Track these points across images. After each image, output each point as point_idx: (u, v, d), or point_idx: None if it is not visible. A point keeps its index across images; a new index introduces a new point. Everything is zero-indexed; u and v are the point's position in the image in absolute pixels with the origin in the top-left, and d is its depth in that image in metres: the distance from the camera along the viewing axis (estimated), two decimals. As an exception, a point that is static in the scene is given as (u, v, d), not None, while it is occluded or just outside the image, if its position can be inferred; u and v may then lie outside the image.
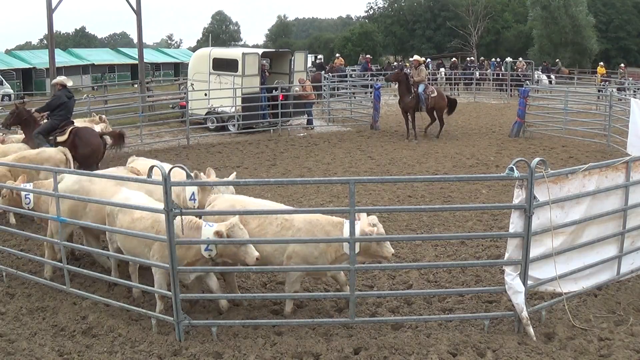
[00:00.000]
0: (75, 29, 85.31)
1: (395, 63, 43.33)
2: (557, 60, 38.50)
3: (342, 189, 10.88)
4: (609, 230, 6.10)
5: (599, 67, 33.90)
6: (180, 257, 5.50)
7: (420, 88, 16.41)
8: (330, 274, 6.14)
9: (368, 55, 36.08)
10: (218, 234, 5.39)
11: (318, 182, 10.45)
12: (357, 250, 5.52)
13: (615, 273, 6.32)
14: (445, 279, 6.94)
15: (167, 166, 6.23)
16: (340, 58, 33.92)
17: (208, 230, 5.49)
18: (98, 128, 12.80)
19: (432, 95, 16.52)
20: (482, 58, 40.20)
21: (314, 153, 14.99)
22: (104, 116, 13.84)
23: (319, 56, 34.27)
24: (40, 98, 26.37)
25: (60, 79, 11.50)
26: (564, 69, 36.19)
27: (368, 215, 5.71)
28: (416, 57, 18.09)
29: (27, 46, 75.51)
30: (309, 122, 19.15)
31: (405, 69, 19.75)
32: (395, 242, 6.63)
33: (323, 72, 26.71)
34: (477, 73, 30.34)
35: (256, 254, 5.49)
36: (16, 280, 6.98)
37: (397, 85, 17.27)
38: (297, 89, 18.58)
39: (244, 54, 17.69)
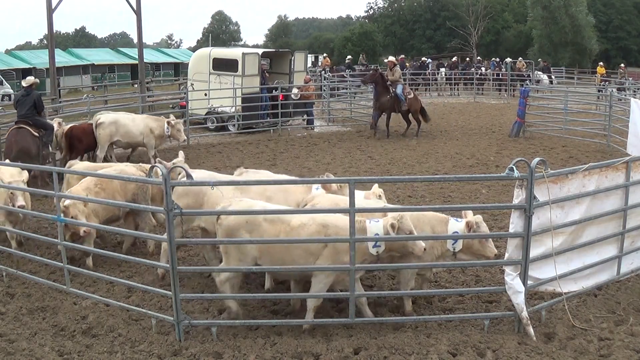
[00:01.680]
0: (75, 29, 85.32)
1: (395, 63, 43.20)
2: (539, 59, 38.33)
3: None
4: (609, 230, 6.10)
5: (598, 67, 33.87)
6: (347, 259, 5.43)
7: (399, 89, 16.51)
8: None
9: (402, 56, 35.64)
10: (392, 226, 5.35)
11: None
12: (459, 246, 5.73)
13: (615, 273, 6.32)
14: (445, 279, 6.94)
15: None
16: (327, 58, 34.07)
17: (375, 226, 5.41)
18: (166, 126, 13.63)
19: (409, 96, 16.61)
20: (479, 58, 40.12)
21: (314, 153, 14.99)
22: (166, 118, 14.02)
23: (349, 57, 34.50)
24: (40, 98, 26.31)
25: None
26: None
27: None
28: (390, 58, 18.35)
29: (27, 46, 75.46)
30: (309, 122, 19.14)
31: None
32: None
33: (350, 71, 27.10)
34: (483, 69, 30.29)
35: (423, 244, 5.44)
36: (16, 280, 6.98)
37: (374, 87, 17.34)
38: (295, 90, 18.56)
39: (244, 54, 17.68)
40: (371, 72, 19.65)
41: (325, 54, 36.72)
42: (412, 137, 16.70)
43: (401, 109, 16.68)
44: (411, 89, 18.51)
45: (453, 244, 5.77)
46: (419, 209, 5.42)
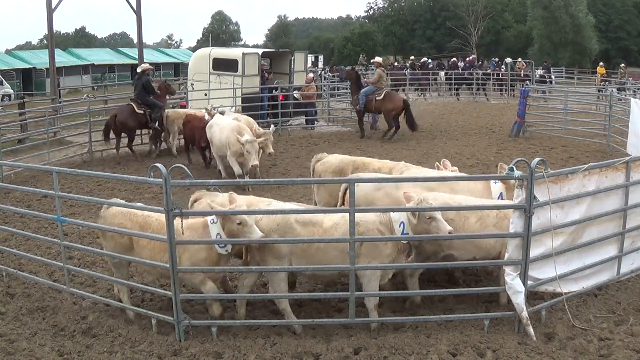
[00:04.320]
0: (75, 29, 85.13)
1: (395, 63, 43.25)
2: (511, 58, 38.04)
3: (342, 189, 10.85)
4: (609, 230, 6.10)
5: (598, 67, 33.85)
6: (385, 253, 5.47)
7: (365, 90, 16.51)
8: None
9: (473, 56, 34.89)
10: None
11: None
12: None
13: (615, 273, 6.33)
14: (445, 279, 6.93)
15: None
16: None
17: (399, 214, 5.44)
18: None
19: (378, 98, 16.31)
20: (474, 56, 39.99)
21: (314, 153, 14.80)
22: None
23: (412, 57, 34.37)
24: (40, 98, 26.35)
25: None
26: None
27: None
28: (376, 59, 18.53)
29: (27, 46, 75.41)
30: (309, 122, 19.12)
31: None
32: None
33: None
34: (481, 72, 30.18)
35: (449, 227, 5.36)
36: (16, 280, 6.98)
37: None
38: (297, 95, 18.56)
39: (244, 54, 17.68)
40: (348, 69, 19.90)
41: None
42: (389, 139, 16.31)
43: (360, 109, 16.74)
44: (395, 90, 18.45)
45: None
46: (421, 209, 5.39)
